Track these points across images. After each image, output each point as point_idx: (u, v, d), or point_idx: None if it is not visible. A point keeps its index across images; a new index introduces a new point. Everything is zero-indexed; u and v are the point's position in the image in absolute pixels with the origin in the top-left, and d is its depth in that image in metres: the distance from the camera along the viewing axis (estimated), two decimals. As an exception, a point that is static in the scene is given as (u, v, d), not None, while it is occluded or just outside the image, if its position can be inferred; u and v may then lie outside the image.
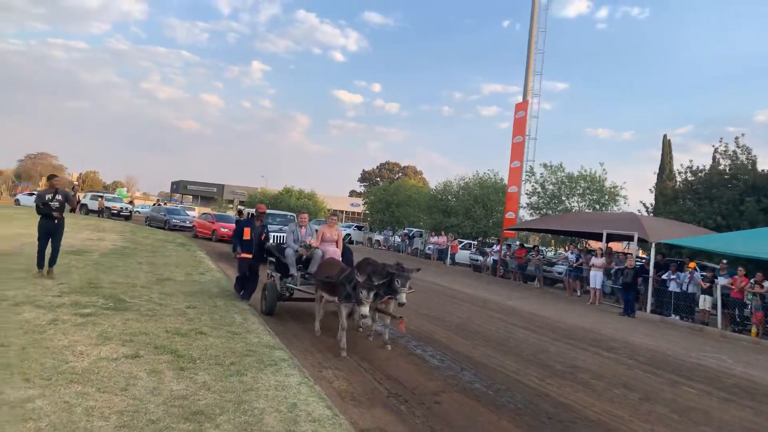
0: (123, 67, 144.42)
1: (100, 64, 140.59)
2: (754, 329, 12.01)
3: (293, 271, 8.45)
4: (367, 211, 44.38)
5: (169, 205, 43.22)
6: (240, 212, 21.03)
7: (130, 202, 39.43)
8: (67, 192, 9.55)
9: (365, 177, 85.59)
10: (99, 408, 3.81)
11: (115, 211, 33.14)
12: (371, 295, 6.18)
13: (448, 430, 4.51)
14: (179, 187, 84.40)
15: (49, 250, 8.82)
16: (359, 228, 39.60)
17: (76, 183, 68.04)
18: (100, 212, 32.56)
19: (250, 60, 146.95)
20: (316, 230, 8.82)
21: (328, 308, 8.12)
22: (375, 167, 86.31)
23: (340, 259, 8.28)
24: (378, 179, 79.02)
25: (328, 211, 52.91)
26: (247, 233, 9.16)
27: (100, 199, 34.02)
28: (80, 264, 10.75)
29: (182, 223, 29.33)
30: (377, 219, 41.09)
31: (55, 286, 8.06)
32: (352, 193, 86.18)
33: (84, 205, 33.27)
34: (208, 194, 78.74)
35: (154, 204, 37.16)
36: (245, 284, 9.30)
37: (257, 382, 4.79)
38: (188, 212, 35.69)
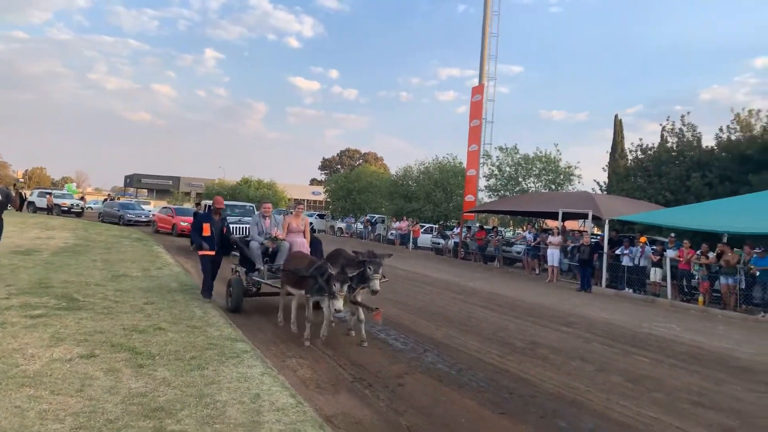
0: (67, 57, 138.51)
1: (43, 54, 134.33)
2: (701, 298, 12.59)
3: (259, 264, 8.10)
4: (328, 199, 44.26)
5: (123, 200, 41.96)
6: (198, 204, 20.53)
7: (81, 198, 38.00)
8: (5, 190, 9.01)
9: (326, 165, 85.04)
10: (53, 411, 3.70)
11: (66, 208, 31.88)
12: (345, 287, 5.92)
13: (412, 411, 4.58)
14: (133, 181, 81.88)
15: None
16: (321, 216, 39.41)
17: (21, 180, 65.11)
18: (50, 210, 31.31)
19: (203, 48, 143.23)
20: (281, 221, 8.49)
21: (287, 301, 7.68)
22: (335, 155, 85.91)
23: (309, 250, 8.05)
24: (339, 167, 78.67)
25: (290, 200, 52.43)
26: (206, 229, 8.47)
27: (48, 196, 32.67)
28: (29, 264, 10.33)
29: (138, 218, 28.49)
30: (339, 206, 41.03)
31: (2, 288, 7.73)
32: (313, 182, 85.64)
33: (31, 203, 31.90)
34: (163, 187, 76.73)
35: (105, 199, 35.75)
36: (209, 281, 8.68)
37: (219, 375, 4.74)
38: (144, 206, 34.70)
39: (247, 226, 17.79)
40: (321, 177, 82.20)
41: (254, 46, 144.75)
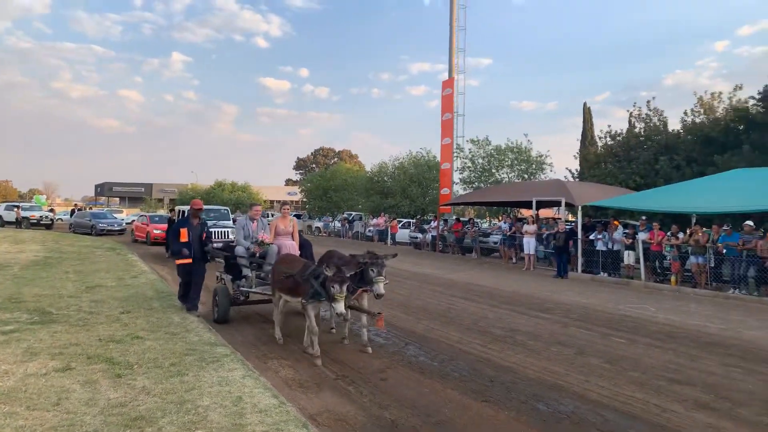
0: (29, 65, 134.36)
1: (2, 63, 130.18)
2: (673, 278, 12.91)
3: (247, 271, 7.65)
4: (304, 199, 44.03)
5: (94, 209, 41.07)
6: (172, 210, 20.11)
7: (51, 210, 37.08)
8: None
9: (300, 164, 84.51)
10: (30, 426, 3.63)
11: (35, 221, 31.15)
12: (344, 288, 5.44)
13: (395, 405, 4.61)
14: (104, 189, 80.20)
15: None
16: (298, 216, 39.16)
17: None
18: (18, 223, 30.54)
19: (170, 51, 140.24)
20: (268, 224, 8.04)
21: (288, 308, 7.46)
22: (309, 154, 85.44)
23: (299, 252, 7.61)
24: (314, 166, 78.26)
25: (265, 202, 52.01)
26: (184, 235, 7.90)
27: (16, 209, 31.86)
28: (-2, 279, 10.08)
29: (111, 228, 27.94)
30: (316, 206, 40.84)
31: (-29, 305, 7.53)
32: (288, 182, 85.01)
33: (-1, 217, 31.10)
34: (136, 195, 75.41)
35: (72, 210, 34.52)
36: (189, 292, 8.06)
37: (200, 381, 4.70)
38: (116, 215, 34.04)
39: (224, 229, 17.68)
40: (296, 177, 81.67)
41: (222, 48, 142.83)
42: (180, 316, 7.46)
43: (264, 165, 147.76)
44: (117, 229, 28.05)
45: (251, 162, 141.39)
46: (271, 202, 71.97)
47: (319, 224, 35.55)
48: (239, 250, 7.72)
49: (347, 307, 5.78)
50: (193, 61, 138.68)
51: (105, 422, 3.73)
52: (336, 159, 77.94)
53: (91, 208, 44.17)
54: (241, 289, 7.69)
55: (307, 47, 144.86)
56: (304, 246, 7.96)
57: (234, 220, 18.11)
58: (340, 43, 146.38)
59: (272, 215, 41.94)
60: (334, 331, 7.10)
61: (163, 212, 35.96)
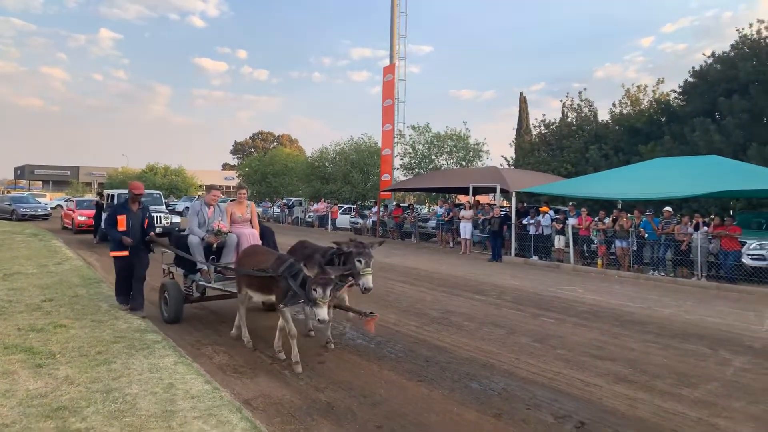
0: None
1: None
2: (599, 261, 13.61)
3: (202, 265, 6.59)
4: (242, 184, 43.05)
5: (14, 193, 38.48)
6: (101, 195, 18.98)
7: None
8: None
9: (238, 148, 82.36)
10: (-63, 421, 3.39)
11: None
12: (328, 292, 4.62)
13: (332, 387, 4.63)
14: (25, 172, 75.18)
15: None
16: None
17: None
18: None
19: (98, 27, 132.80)
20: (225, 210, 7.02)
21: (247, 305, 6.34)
22: (248, 138, 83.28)
23: (260, 242, 6.86)
24: (252, 150, 76.47)
25: (200, 187, 50.39)
26: (122, 222, 6.79)
27: None
28: None
29: (34, 212, 26.27)
30: (254, 191, 40.02)
31: None
32: (225, 166, 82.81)
33: None
34: (61, 178, 71.18)
35: None
36: (131, 288, 6.99)
37: (128, 368, 4.53)
38: (39, 200, 32.05)
39: (157, 214, 16.98)
40: (233, 161, 79.57)
41: (155, 26, 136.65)
42: (108, 303, 7.15)
43: (200, 149, 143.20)
44: (41, 213, 26.40)
45: (186, 145, 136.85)
46: (208, 186, 69.76)
47: (258, 210, 34.88)
48: (193, 240, 6.68)
49: (330, 308, 4.97)
50: (124, 39, 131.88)
51: (23, 414, 3.55)
52: (275, 143, 76.50)
53: (9, 192, 41.39)
54: (199, 283, 6.79)
55: (246, 28, 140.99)
56: (266, 234, 7.19)
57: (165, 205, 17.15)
58: (280, 25, 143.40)
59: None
60: (312, 334, 6.30)
61: (90, 196, 34.11)
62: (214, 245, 6.70)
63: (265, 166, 40.38)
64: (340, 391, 4.53)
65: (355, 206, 27.65)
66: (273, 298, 5.29)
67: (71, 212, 20.93)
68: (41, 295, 7.53)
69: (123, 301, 7.05)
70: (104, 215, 16.36)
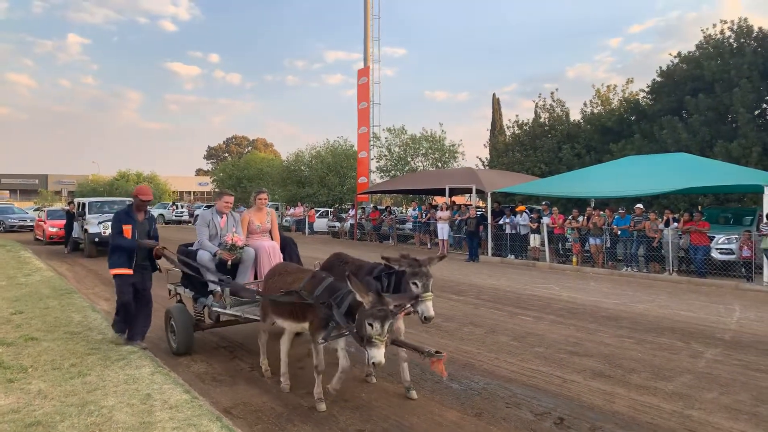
0: None
1: None
2: (574, 259, 13.84)
3: (215, 286, 5.50)
4: (216, 189, 42.57)
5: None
6: (71, 204, 18.47)
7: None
8: None
9: (212, 153, 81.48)
10: None
11: None
12: (386, 327, 3.55)
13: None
14: (-11, 181, 73.15)
15: None
16: (210, 208, 37.84)
17: None
18: None
19: (65, 33, 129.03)
20: (240, 219, 6.03)
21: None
22: (222, 142, 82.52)
23: (281, 256, 5.91)
24: (226, 155, 75.67)
25: (174, 193, 49.68)
26: (127, 233, 5.56)
27: None
28: None
29: (23, 223, 25.66)
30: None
31: None
32: (199, 172, 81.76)
33: None
34: (29, 187, 69.39)
35: None
36: (135, 315, 5.80)
37: (104, 380, 4.44)
38: (27, 211, 31.23)
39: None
40: (207, 167, 78.68)
41: (124, 31, 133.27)
42: (81, 315, 6.99)
43: (173, 154, 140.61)
44: (30, 225, 25.45)
45: (159, 151, 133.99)
46: (181, 193, 68.96)
47: (234, 215, 34.51)
48: (203, 255, 5.62)
49: (388, 346, 3.74)
50: (92, 44, 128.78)
51: (-6, 431, 3.45)
52: (250, 148, 75.90)
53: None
54: (213, 309, 5.56)
55: (218, 32, 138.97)
56: (287, 247, 6.15)
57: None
58: (253, 28, 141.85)
59: (181, 206, 40.27)
60: (374, 380, 5.00)
61: (60, 205, 33.30)
62: (229, 263, 5.59)
63: (240, 171, 40.02)
64: (321, 396, 4.50)
65: (332, 209, 27.60)
66: (307, 326, 4.34)
67: (42, 223, 20.33)
68: (10, 308, 7.32)
69: (122, 330, 5.86)
70: (75, 224, 16.23)
